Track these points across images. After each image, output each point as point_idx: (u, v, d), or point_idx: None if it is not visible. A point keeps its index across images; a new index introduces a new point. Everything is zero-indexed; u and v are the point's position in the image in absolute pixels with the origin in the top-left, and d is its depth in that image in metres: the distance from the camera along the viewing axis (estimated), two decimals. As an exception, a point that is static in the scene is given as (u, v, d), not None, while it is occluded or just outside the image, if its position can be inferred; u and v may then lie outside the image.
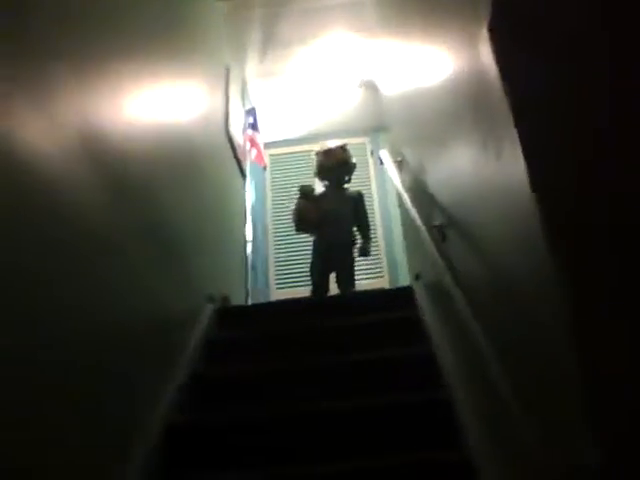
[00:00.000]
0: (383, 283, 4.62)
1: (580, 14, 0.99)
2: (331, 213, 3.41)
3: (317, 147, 3.75)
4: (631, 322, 0.82)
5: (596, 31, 0.98)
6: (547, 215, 0.88)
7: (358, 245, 3.47)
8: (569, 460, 0.89)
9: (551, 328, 0.90)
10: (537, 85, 0.96)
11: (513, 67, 0.99)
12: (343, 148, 3.59)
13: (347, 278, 3.35)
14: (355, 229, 3.51)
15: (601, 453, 0.77)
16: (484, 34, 1.06)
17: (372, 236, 3.57)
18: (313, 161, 3.73)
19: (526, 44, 1.01)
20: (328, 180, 3.58)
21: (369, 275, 4.62)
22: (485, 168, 1.22)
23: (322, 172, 3.60)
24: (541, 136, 0.93)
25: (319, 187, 3.70)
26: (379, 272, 4.71)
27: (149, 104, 2.17)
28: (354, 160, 3.61)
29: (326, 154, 3.57)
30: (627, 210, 0.88)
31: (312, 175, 5.12)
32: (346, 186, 3.61)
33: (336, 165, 3.53)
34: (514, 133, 0.95)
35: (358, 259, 3.49)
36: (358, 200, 3.52)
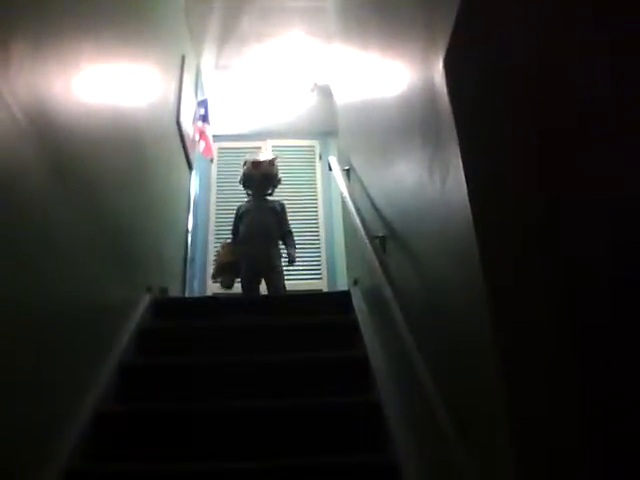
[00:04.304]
0: (321, 285, 4.69)
1: (530, 51, 1.08)
2: (256, 226, 3.59)
3: (248, 156, 3.93)
4: (558, 344, 0.91)
5: (547, 69, 1.08)
6: (485, 245, 0.96)
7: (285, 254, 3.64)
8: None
9: (479, 342, 0.99)
10: (487, 117, 1.05)
11: (464, 99, 1.07)
12: (271, 162, 3.80)
13: (276, 287, 3.50)
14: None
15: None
16: (439, 65, 1.14)
17: (296, 244, 3.73)
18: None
19: (478, 79, 1.09)
20: (251, 189, 3.77)
21: (308, 276, 4.69)
22: (429, 189, 1.30)
23: (247, 181, 3.78)
24: (486, 169, 1.02)
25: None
26: (318, 274, 4.79)
27: (100, 85, 2.13)
28: (279, 175, 3.80)
29: (254, 165, 3.76)
30: (558, 238, 0.98)
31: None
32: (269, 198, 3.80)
33: (261, 177, 3.72)
34: (459, 163, 1.03)
35: (298, 260, 3.62)
36: (280, 211, 3.71)
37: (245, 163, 3.84)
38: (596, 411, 0.88)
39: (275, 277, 3.51)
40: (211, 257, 4.89)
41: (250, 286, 3.55)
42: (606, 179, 1.04)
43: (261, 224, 3.60)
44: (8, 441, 1.29)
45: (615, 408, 0.89)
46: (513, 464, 0.86)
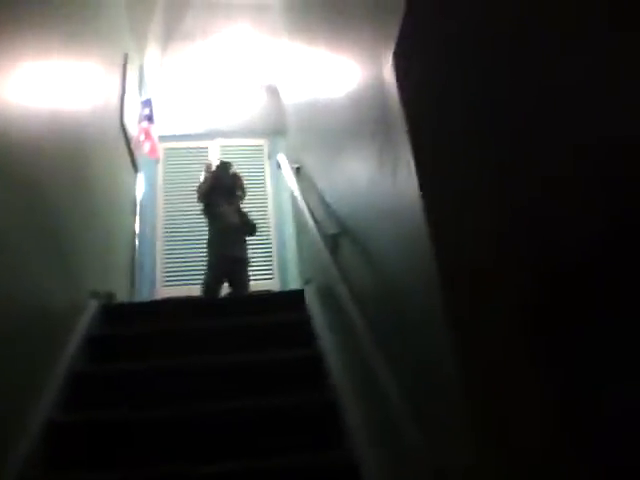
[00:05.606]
0: (273, 285, 4.66)
1: (483, 43, 1.09)
2: (232, 226, 3.75)
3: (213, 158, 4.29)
4: (505, 326, 0.93)
5: (497, 61, 1.09)
6: (436, 233, 0.97)
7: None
8: (445, 459, 0.98)
9: (434, 333, 0.99)
10: (436, 111, 1.05)
11: (414, 94, 1.07)
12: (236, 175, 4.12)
13: (242, 292, 3.67)
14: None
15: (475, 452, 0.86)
16: (389, 57, 1.14)
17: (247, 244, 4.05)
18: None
19: (429, 71, 1.09)
20: (220, 193, 3.94)
21: (259, 276, 4.65)
22: (381, 185, 1.30)
23: (216, 186, 3.96)
24: (437, 163, 1.02)
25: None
26: (270, 274, 4.75)
27: (41, 85, 2.04)
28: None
29: (221, 167, 4.06)
30: (510, 232, 0.99)
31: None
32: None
33: (231, 178, 4.04)
34: (410, 156, 1.03)
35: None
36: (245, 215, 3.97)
37: (207, 168, 4.04)
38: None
39: (240, 289, 3.68)
40: (160, 261, 4.78)
41: (214, 290, 3.63)
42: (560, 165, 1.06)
43: (236, 226, 3.78)
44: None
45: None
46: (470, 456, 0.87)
